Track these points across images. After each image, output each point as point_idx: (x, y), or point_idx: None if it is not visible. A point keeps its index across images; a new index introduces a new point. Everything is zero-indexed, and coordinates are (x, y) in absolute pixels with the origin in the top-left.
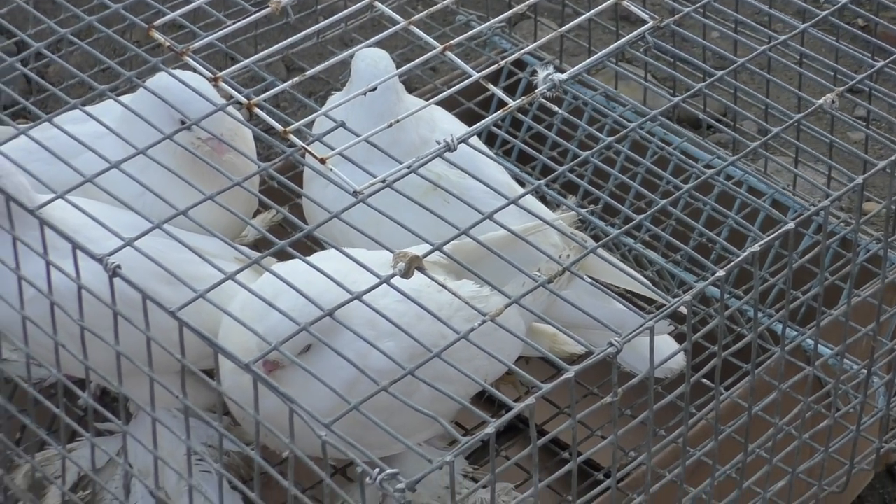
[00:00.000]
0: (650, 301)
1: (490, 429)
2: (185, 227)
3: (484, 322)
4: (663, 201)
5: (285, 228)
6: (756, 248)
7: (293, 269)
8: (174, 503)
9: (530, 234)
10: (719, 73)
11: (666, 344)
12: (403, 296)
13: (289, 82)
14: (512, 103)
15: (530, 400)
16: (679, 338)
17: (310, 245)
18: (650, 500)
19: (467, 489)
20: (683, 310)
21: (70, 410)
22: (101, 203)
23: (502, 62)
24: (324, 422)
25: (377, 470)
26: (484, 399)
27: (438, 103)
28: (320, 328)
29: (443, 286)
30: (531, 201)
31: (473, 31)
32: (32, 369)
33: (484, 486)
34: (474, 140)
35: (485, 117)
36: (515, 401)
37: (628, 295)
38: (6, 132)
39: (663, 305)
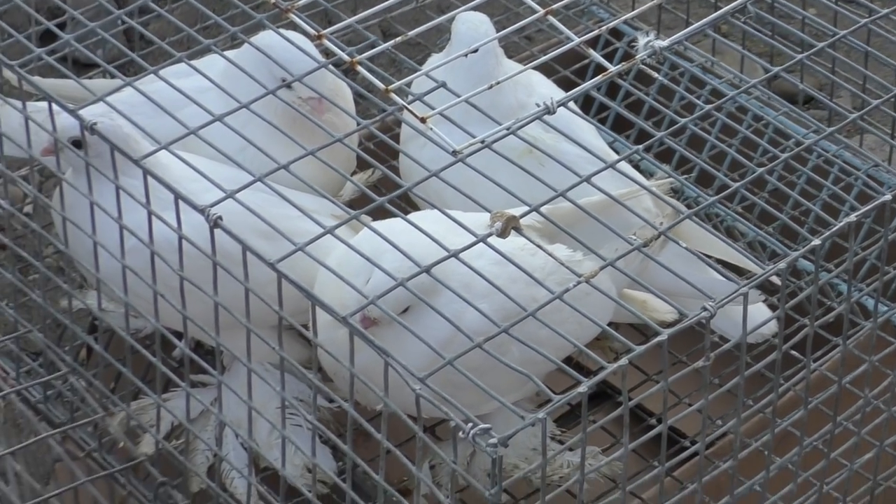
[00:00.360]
0: (741, 272)
1: (582, 388)
2: (284, 183)
3: (578, 284)
4: (760, 170)
5: (380, 189)
6: (852, 218)
7: (391, 227)
8: (265, 455)
9: (625, 200)
10: (819, 45)
11: (759, 311)
12: (500, 255)
13: (390, 42)
14: (612, 68)
15: (623, 361)
16: (770, 308)
17: (403, 206)
18: (738, 467)
19: (554, 451)
20: (776, 279)
21: (165, 361)
22: (200, 157)
23: (601, 29)
24: (419, 376)
25: (470, 425)
26: (572, 366)
27: (535, 69)
28: (420, 289)
29: (539, 246)
30: (625, 167)
31: None
32: (129, 320)
33: (570, 449)
34: (571, 105)
35: (580, 85)
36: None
37: (719, 266)
38: (111, 84)
39: (755, 276)
